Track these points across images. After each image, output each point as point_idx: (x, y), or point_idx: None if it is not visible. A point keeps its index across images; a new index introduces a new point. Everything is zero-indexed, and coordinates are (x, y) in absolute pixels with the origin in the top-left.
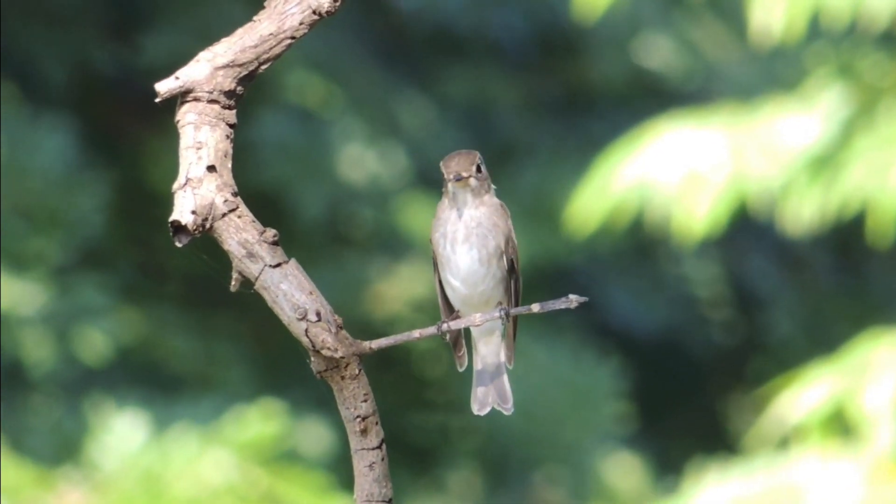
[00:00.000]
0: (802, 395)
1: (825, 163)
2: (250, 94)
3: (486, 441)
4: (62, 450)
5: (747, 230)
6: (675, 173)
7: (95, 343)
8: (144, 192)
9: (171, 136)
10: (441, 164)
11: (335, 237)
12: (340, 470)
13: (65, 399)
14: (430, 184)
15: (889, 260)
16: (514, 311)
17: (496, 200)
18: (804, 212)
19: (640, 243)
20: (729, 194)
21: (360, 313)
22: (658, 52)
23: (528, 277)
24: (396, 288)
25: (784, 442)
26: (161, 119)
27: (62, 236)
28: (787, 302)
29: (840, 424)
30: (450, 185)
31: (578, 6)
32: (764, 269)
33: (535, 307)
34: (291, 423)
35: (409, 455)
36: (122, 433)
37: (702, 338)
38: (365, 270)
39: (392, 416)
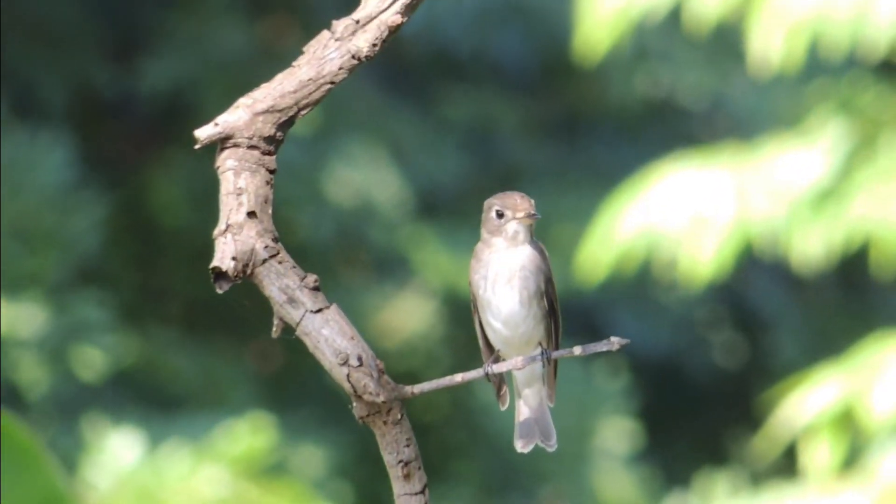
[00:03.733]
0: (810, 397)
1: (828, 197)
2: None
3: (491, 455)
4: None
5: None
6: (680, 217)
7: (94, 360)
8: (143, 215)
9: (170, 162)
10: (494, 201)
11: (341, 260)
12: (335, 488)
13: (61, 418)
14: (431, 208)
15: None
16: (555, 354)
17: (538, 243)
18: (809, 248)
19: (646, 280)
20: (734, 236)
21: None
22: (662, 77)
23: None
24: (402, 316)
25: (790, 452)
26: (160, 145)
27: (58, 255)
28: (791, 324)
29: (847, 427)
30: (513, 224)
31: (580, 47)
32: (767, 290)
33: (577, 350)
34: (286, 438)
35: None
36: (117, 451)
37: (705, 360)
38: (371, 297)
39: None
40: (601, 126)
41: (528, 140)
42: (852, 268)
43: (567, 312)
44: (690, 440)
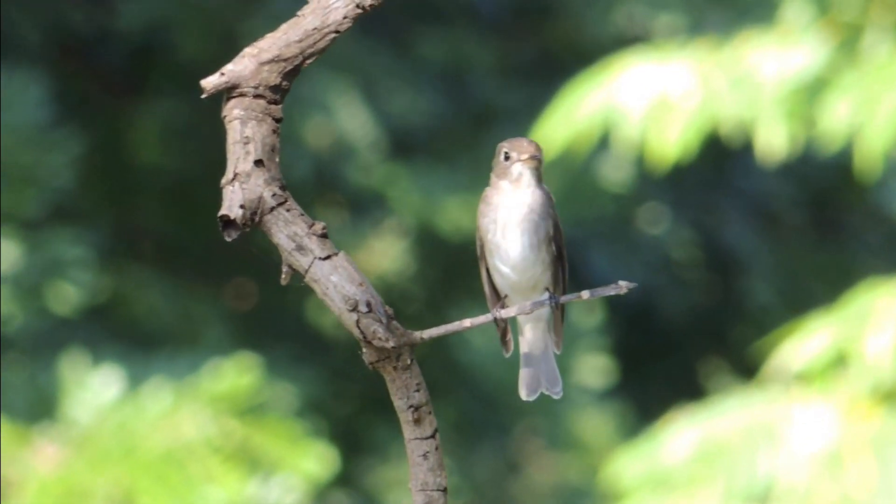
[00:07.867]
0: (802, 345)
1: (806, 95)
2: (220, 54)
3: (466, 392)
4: (37, 406)
5: (724, 188)
6: (643, 99)
7: (69, 296)
8: (118, 154)
9: (146, 101)
10: (504, 145)
11: (317, 200)
12: (311, 425)
13: (39, 355)
14: (405, 148)
15: (867, 218)
16: (563, 298)
17: (546, 188)
18: (779, 143)
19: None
20: (700, 119)
21: None
22: (636, 15)
23: None
24: (376, 255)
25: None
26: (136, 84)
27: (34, 193)
28: (764, 266)
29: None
30: (518, 166)
31: None
32: (740, 233)
33: (585, 294)
34: (266, 377)
35: (387, 407)
36: (97, 388)
37: (678, 299)
38: (346, 236)
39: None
40: (576, 66)
41: (503, 80)
42: (826, 209)
43: None
44: (664, 378)
